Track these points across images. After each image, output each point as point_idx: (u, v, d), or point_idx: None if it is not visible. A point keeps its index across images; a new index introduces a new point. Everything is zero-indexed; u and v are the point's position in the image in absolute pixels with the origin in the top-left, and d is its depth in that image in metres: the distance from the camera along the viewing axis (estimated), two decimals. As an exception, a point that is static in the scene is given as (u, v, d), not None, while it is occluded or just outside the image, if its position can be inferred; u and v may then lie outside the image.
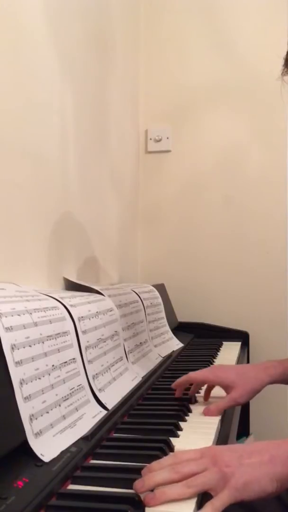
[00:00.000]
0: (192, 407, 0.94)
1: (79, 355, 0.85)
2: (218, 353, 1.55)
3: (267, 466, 0.59)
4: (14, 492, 0.55)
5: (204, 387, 1.02)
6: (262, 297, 1.95)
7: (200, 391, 1.03)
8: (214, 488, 0.57)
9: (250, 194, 1.98)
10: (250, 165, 1.99)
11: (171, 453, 0.64)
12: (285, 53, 0.94)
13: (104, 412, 0.84)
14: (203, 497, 0.58)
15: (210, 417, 0.89)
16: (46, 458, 0.63)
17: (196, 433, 0.81)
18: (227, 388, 0.95)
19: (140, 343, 1.27)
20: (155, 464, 0.61)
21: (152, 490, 0.57)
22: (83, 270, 1.38)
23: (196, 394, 1.01)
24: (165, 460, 0.62)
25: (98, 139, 1.56)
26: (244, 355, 1.69)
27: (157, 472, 0.59)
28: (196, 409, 0.93)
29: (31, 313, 0.73)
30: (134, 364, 1.14)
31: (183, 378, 0.99)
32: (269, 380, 0.97)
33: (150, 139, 2.08)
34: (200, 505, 0.56)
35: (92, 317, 0.96)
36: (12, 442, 0.60)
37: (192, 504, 0.56)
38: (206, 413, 0.90)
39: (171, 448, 0.72)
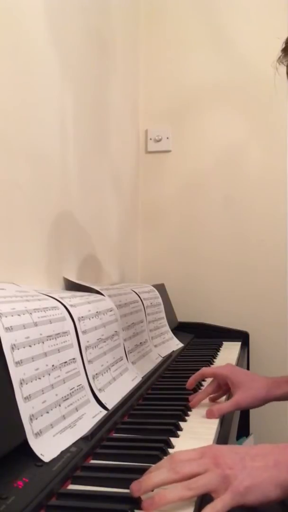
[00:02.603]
0: (192, 407, 0.94)
1: (79, 355, 0.85)
2: (218, 353, 1.55)
3: (271, 471, 0.56)
4: (14, 492, 0.55)
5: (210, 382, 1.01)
6: (262, 297, 1.95)
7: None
8: (216, 490, 0.54)
9: (250, 194, 1.98)
10: (250, 165, 1.99)
11: (169, 455, 0.61)
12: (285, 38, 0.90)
13: (104, 412, 0.84)
14: (203, 498, 0.56)
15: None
16: (46, 458, 0.63)
17: (196, 433, 0.81)
18: (233, 386, 0.94)
19: (140, 343, 1.27)
20: (152, 467, 0.58)
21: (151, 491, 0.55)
22: (83, 270, 1.38)
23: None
24: (163, 461, 0.58)
25: (98, 139, 1.56)
26: (244, 355, 1.69)
27: (155, 473, 0.56)
28: (196, 409, 0.93)
29: (31, 313, 0.73)
30: (134, 364, 1.14)
31: (196, 374, 1.00)
32: (272, 397, 0.94)
33: (150, 139, 2.08)
34: (199, 506, 0.55)
35: (92, 317, 0.96)
36: (12, 442, 0.61)
37: (191, 505, 0.55)
38: (208, 415, 0.88)
39: (171, 448, 0.72)
